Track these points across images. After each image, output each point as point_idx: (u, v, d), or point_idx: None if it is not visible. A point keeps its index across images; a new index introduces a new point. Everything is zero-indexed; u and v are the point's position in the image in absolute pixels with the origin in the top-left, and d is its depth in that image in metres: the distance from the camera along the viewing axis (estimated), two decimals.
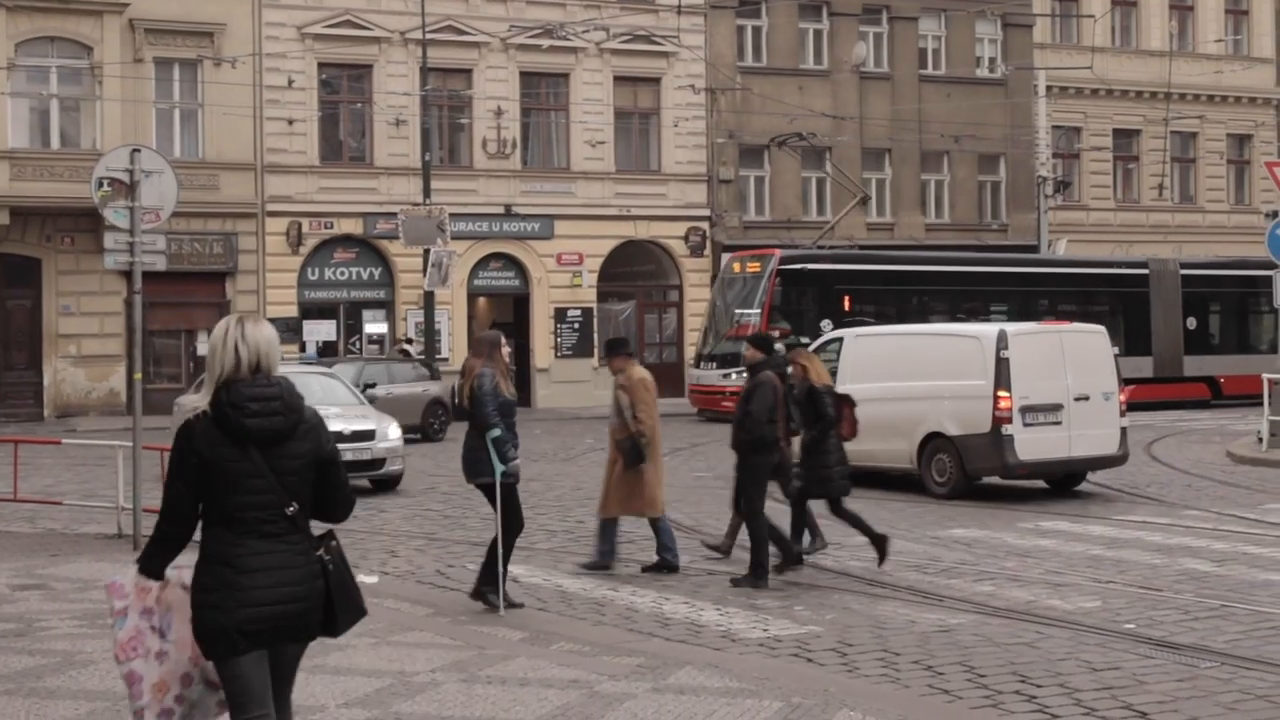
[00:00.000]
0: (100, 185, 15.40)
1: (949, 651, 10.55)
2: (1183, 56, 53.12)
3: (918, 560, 14.79)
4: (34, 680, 9.37)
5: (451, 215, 39.63)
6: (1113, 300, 41.84)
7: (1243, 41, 55.28)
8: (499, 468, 11.83)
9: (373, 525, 18.15)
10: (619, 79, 44.49)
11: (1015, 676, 9.79)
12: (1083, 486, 21.28)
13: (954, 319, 36.35)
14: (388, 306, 42.23)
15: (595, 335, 44.08)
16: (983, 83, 49.19)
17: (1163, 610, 12.04)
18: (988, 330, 20.94)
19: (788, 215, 46.33)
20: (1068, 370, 20.28)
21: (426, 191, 39.18)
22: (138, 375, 15.90)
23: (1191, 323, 42.90)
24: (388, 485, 22.03)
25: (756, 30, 46.45)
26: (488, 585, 11.97)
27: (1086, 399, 20.29)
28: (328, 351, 41.46)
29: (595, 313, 44.17)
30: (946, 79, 48.70)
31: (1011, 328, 21.04)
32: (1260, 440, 25.98)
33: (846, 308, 37.80)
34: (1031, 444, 19.87)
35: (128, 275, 15.86)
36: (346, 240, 41.66)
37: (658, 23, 44.62)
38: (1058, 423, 20.12)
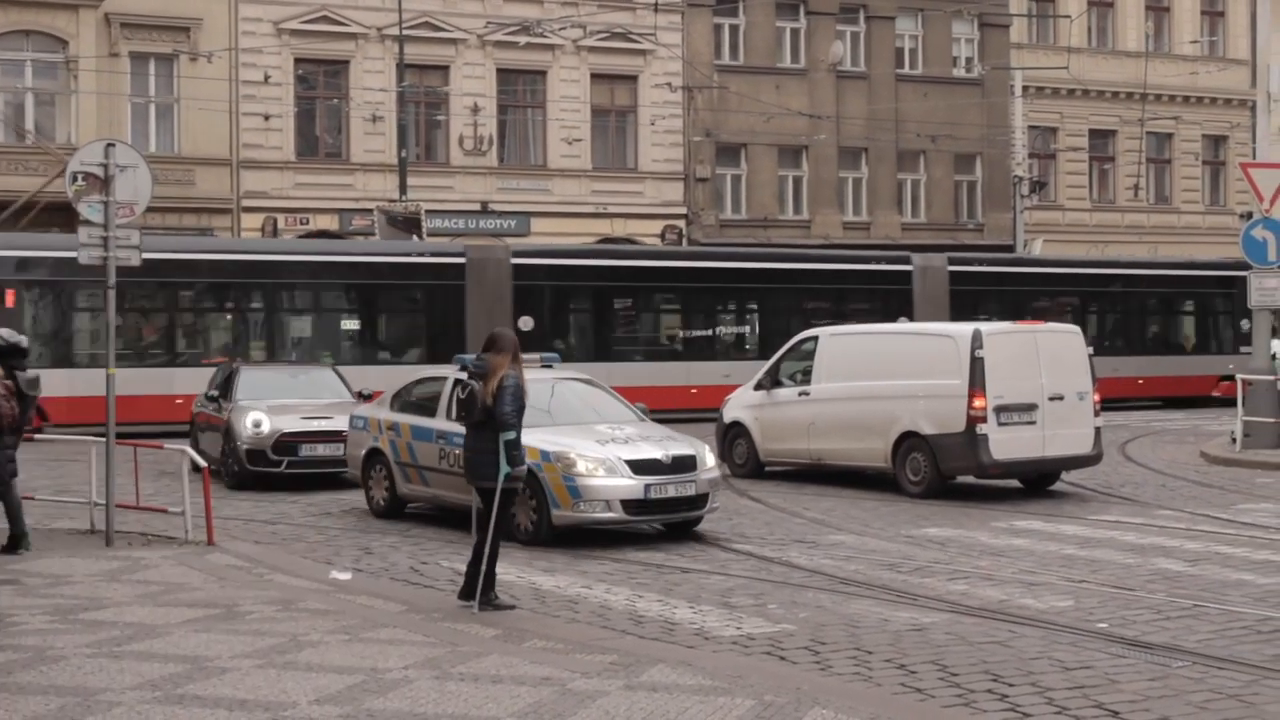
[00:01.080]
0: (74, 180, 15.34)
1: (922, 650, 10.56)
2: (1159, 57, 53.32)
3: (891, 559, 14.80)
4: (4, 675, 9.33)
5: (428, 212, 39.58)
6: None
7: (1218, 43, 55.51)
8: (504, 470, 11.86)
9: (346, 523, 18.12)
10: (596, 76, 44.49)
11: (988, 675, 9.81)
12: (1056, 486, 21.32)
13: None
14: None
15: None
16: (959, 82, 49.30)
17: (1135, 610, 12.06)
18: (963, 329, 20.85)
19: (764, 214, 46.38)
20: (1042, 370, 20.25)
21: (403, 188, 39.13)
22: (112, 370, 15.83)
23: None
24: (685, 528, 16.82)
25: (734, 29, 46.48)
26: (488, 589, 11.88)
27: (1061, 399, 20.29)
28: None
29: None
30: (923, 78, 48.79)
31: (986, 327, 21.13)
32: (1234, 441, 26.06)
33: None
34: (1006, 444, 19.86)
35: (102, 270, 15.74)
36: (322, 236, 41.55)
37: (635, 20, 44.62)
38: (1032, 422, 20.10)
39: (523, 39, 43.01)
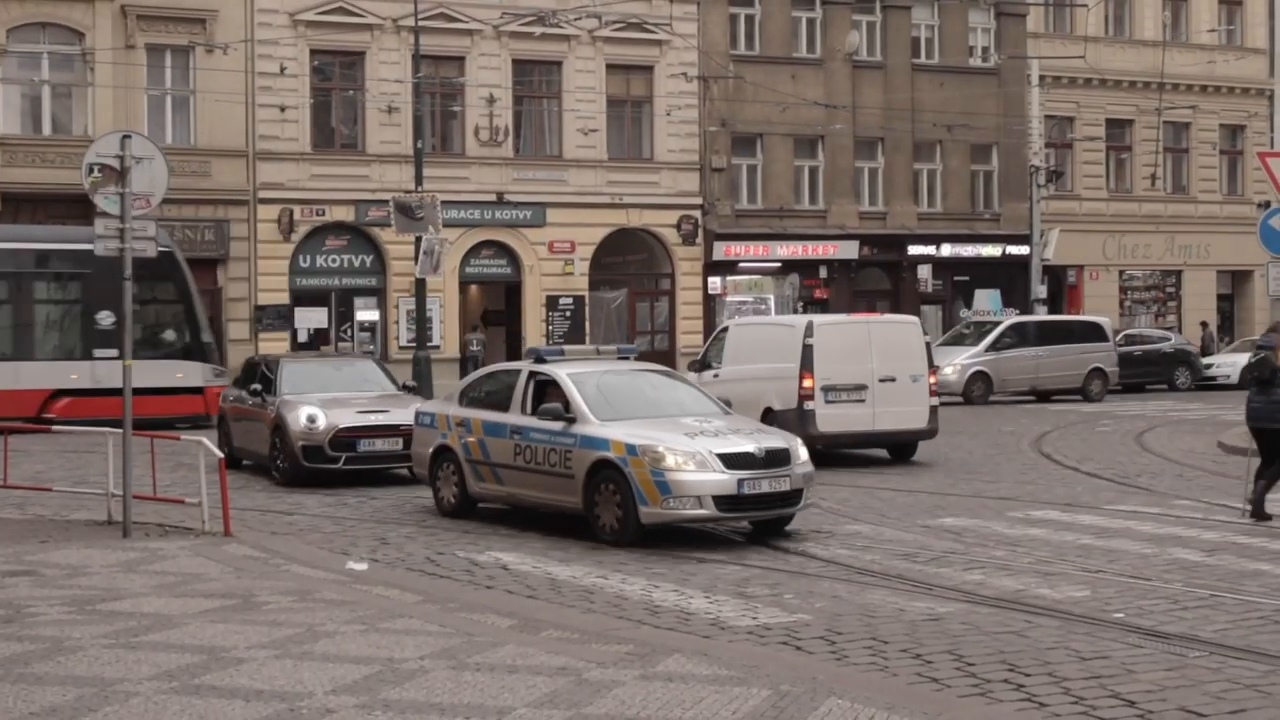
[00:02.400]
0: (91, 171, 15.35)
1: (937, 640, 10.55)
2: (1176, 46, 53.14)
3: (907, 549, 14.79)
4: (22, 666, 9.36)
5: (443, 203, 39.58)
6: None
7: (1236, 31, 55.30)
8: None
9: (361, 513, 18.14)
10: (611, 67, 44.44)
11: (1004, 665, 9.80)
12: (917, 456, 24.11)
13: None
14: (379, 294, 42.20)
15: (587, 323, 44.10)
16: (976, 72, 49.15)
17: (1152, 599, 12.05)
18: (801, 320, 24.97)
19: (780, 204, 46.30)
20: (874, 355, 23.21)
21: (418, 179, 39.08)
22: (128, 362, 15.86)
23: None
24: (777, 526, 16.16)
25: (749, 18, 46.40)
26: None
27: (893, 380, 23.18)
28: (320, 339, 41.46)
29: (587, 301, 44.16)
30: (939, 68, 48.66)
31: (819, 319, 24.74)
32: None
33: None
34: (832, 418, 22.90)
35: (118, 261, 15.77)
36: (338, 227, 41.62)
37: (650, 10, 44.57)
38: (861, 400, 23.10)
39: (538, 29, 42.96)
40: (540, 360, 17.28)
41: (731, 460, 15.01)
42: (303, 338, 41.27)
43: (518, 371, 17.40)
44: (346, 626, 10.63)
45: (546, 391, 16.58)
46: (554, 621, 11.02)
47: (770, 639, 10.70)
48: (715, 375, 25.19)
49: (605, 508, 15.24)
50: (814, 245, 46.36)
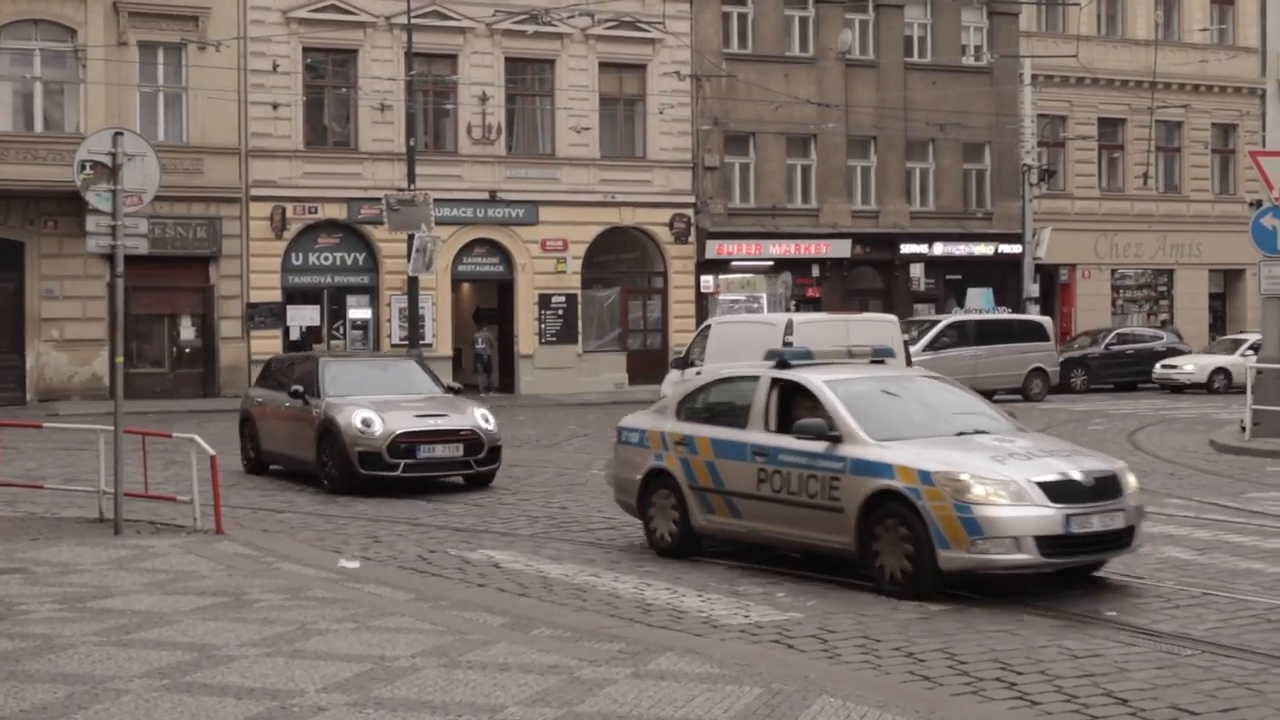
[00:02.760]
0: (82, 168, 15.34)
1: (930, 639, 10.55)
2: (1168, 45, 53.15)
3: None
4: (12, 664, 9.34)
5: (436, 201, 39.59)
6: None
7: (1228, 31, 55.33)
8: None
9: (353, 510, 18.13)
10: (604, 65, 44.42)
11: (996, 663, 9.80)
12: None
13: None
14: (371, 292, 42.16)
15: (580, 322, 44.09)
16: (968, 71, 49.17)
17: (1144, 598, 12.05)
18: (780, 318, 26.27)
19: (773, 202, 46.30)
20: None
21: (411, 177, 39.12)
22: (120, 359, 15.84)
23: None
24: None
25: (742, 17, 46.38)
26: None
27: None
28: (312, 337, 41.44)
29: (580, 299, 44.14)
30: (932, 67, 48.66)
31: (799, 316, 26.28)
32: (1244, 429, 26.03)
33: None
34: None
35: (110, 259, 15.75)
36: (330, 225, 41.57)
37: (643, 9, 44.56)
38: None
39: (531, 28, 42.95)
40: (784, 365, 14.32)
41: (1056, 490, 12.10)
42: (295, 335, 41.26)
43: (756, 378, 14.38)
44: (338, 624, 10.62)
45: (795, 403, 13.74)
46: (546, 620, 11.01)
47: (762, 637, 10.70)
48: (698, 373, 25.25)
49: (890, 551, 12.35)
50: (806, 244, 46.36)
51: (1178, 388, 42.47)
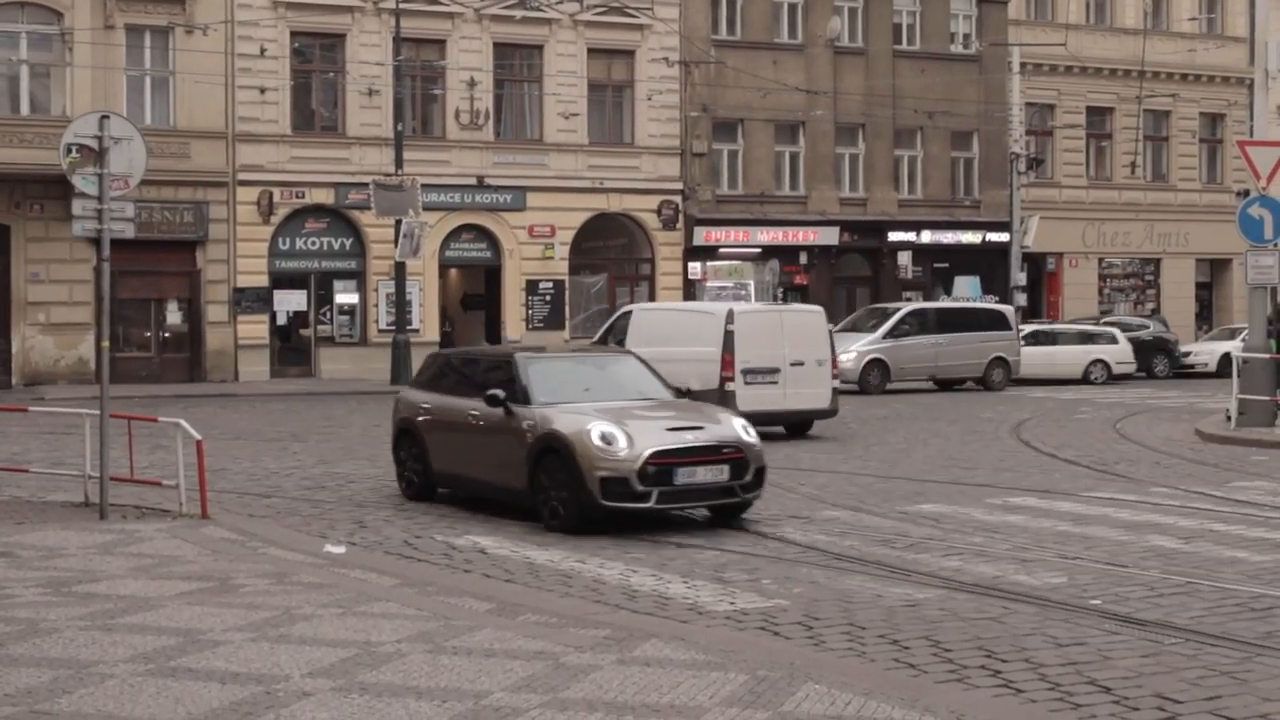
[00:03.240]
0: (69, 152, 15.28)
1: (915, 626, 10.57)
2: (1157, 35, 53.23)
3: (885, 535, 14.81)
4: None
5: (423, 186, 39.56)
6: None
7: (1216, 20, 55.40)
8: None
9: (340, 495, 18.11)
10: (593, 51, 44.38)
11: (981, 651, 9.81)
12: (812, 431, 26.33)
13: None
14: (358, 277, 42.11)
15: (567, 308, 44.09)
16: (957, 59, 49.18)
17: (1129, 586, 12.07)
18: (721, 308, 26.70)
19: (761, 189, 46.30)
20: (785, 341, 25.47)
21: (399, 162, 39.08)
22: (106, 343, 15.81)
23: None
24: None
25: (731, 3, 46.35)
26: None
27: (801, 364, 25.51)
28: (299, 322, 41.41)
29: (567, 285, 44.14)
30: (921, 54, 48.68)
31: (739, 307, 26.79)
32: (1229, 418, 26.07)
33: None
34: (751, 398, 24.74)
35: (96, 243, 15.72)
36: (318, 210, 41.52)
37: None
38: (774, 383, 25.34)
39: (519, 13, 42.89)
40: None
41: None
42: (281, 320, 41.24)
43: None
44: (324, 610, 10.61)
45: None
46: (532, 606, 11.01)
47: (748, 624, 10.71)
48: None
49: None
50: (794, 231, 46.38)
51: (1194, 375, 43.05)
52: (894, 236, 47.93)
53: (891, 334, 38.60)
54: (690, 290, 45.46)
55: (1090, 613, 11.04)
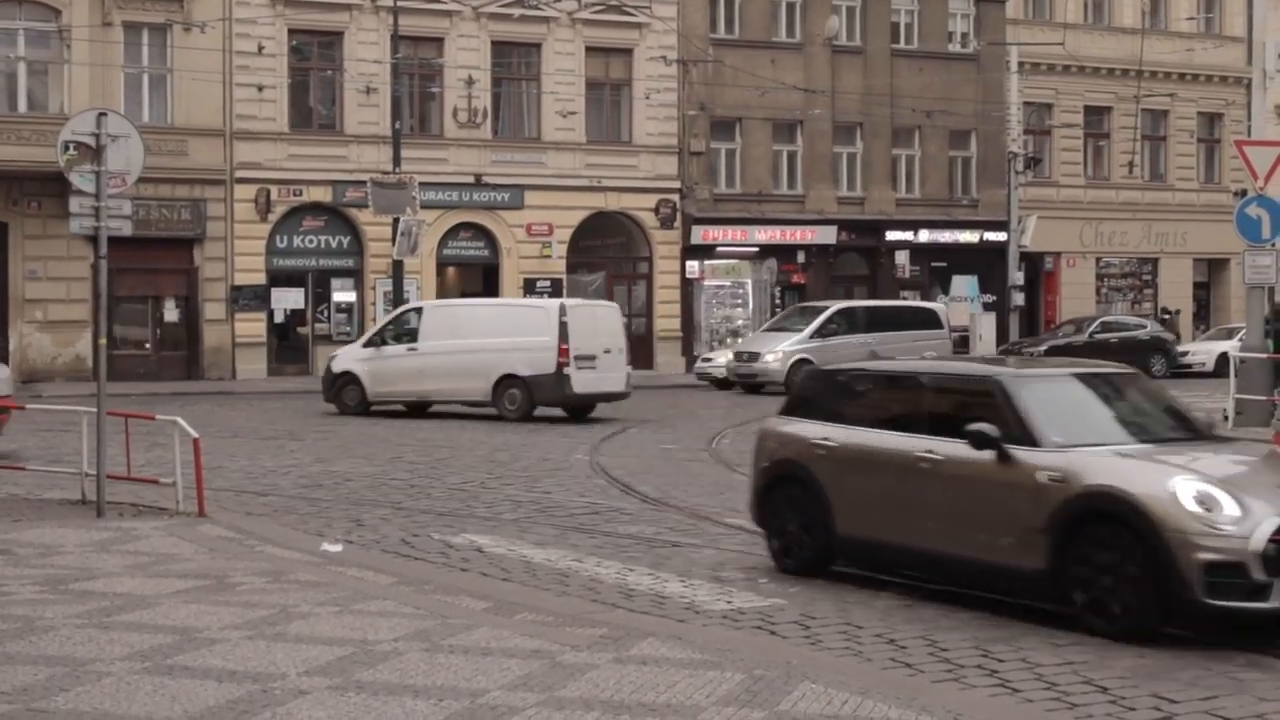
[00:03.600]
0: (66, 149, 15.28)
1: (912, 625, 10.57)
2: (1155, 34, 53.21)
3: None
4: None
5: (421, 184, 39.54)
6: None
7: (1214, 20, 55.39)
8: None
9: (337, 494, 18.11)
10: (591, 49, 44.37)
11: (977, 651, 9.81)
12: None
13: None
14: (356, 275, 42.11)
15: None
16: (955, 58, 49.18)
17: None
18: (553, 303, 30.83)
19: (758, 188, 46.30)
20: (599, 332, 29.13)
21: (396, 160, 39.07)
22: (103, 341, 15.80)
23: None
24: None
25: (729, 2, 46.35)
26: None
27: (609, 352, 29.17)
28: (296, 320, 41.40)
29: (565, 284, 44.10)
30: (919, 53, 48.67)
31: (569, 302, 31.05)
32: (1226, 419, 26.06)
33: None
34: (581, 381, 28.73)
35: (94, 240, 15.71)
36: (315, 208, 41.51)
37: None
38: (594, 368, 28.91)
39: (517, 11, 42.88)
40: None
41: None
42: (279, 318, 41.23)
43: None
44: (320, 608, 10.61)
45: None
46: (528, 604, 11.01)
47: (745, 623, 10.71)
48: (411, 349, 29.82)
49: None
50: (792, 230, 46.38)
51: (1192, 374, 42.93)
52: (892, 236, 47.94)
53: (819, 333, 37.75)
54: (688, 289, 45.48)
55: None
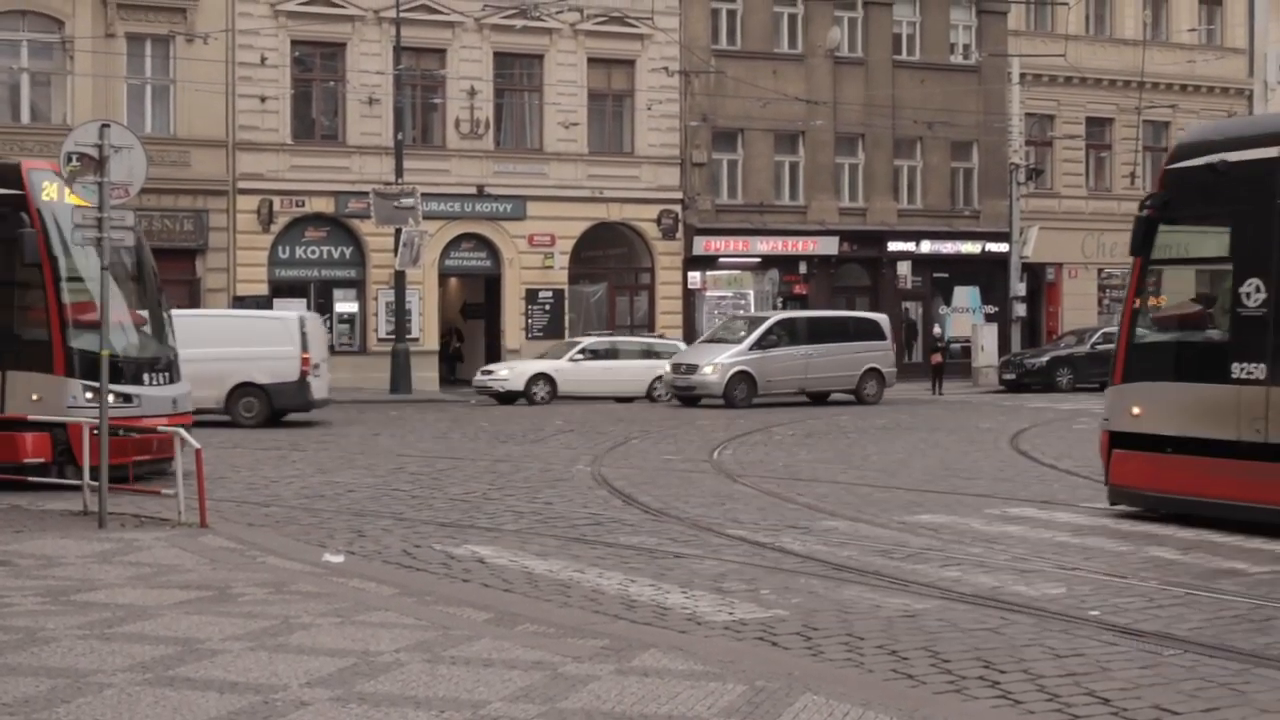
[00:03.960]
0: (69, 160, 15.29)
1: (913, 636, 10.56)
2: (1156, 46, 53.27)
3: (884, 545, 14.79)
4: None
5: (423, 195, 39.61)
6: None
7: (1216, 31, 55.47)
8: None
9: (339, 504, 18.11)
10: (593, 60, 44.45)
11: (979, 662, 9.80)
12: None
13: None
14: (358, 286, 42.18)
15: (566, 317, 44.10)
16: (956, 69, 49.26)
17: (1127, 597, 12.06)
18: (291, 315, 32.38)
19: (760, 199, 46.35)
20: (321, 342, 31.72)
21: (399, 171, 39.13)
22: (105, 352, 15.81)
23: None
24: None
25: (731, 13, 46.44)
26: None
27: (323, 361, 31.29)
28: None
29: (567, 294, 44.17)
30: (920, 65, 48.76)
31: (305, 315, 32.62)
32: None
33: None
34: (319, 388, 30.89)
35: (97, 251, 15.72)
36: (318, 219, 41.60)
37: (632, 4, 44.58)
38: (319, 375, 30.90)
39: (520, 22, 42.97)
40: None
41: None
42: None
43: None
44: (322, 619, 10.60)
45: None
46: (530, 615, 11.00)
47: (746, 634, 10.70)
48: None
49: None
50: (794, 241, 46.44)
51: None
52: (893, 246, 47.98)
53: (759, 345, 37.24)
54: (690, 300, 45.50)
55: (1089, 623, 11.03)
